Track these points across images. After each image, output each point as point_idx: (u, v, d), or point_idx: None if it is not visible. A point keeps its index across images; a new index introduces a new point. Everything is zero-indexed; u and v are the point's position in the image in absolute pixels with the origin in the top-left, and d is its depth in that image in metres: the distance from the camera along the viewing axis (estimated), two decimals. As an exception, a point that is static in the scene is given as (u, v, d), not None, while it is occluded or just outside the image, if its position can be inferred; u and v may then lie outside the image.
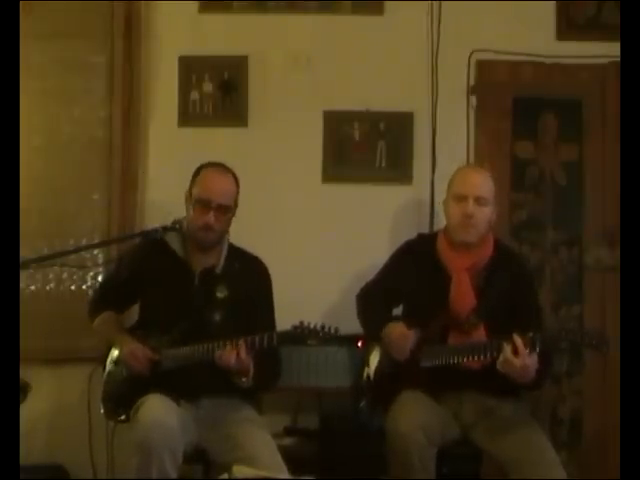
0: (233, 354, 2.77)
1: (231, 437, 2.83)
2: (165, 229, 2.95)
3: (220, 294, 2.99)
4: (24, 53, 3.09)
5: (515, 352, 2.71)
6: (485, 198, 3.00)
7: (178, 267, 3.03)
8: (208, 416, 2.92)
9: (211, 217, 2.95)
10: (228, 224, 3.04)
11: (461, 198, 3.00)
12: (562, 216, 3.79)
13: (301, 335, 2.74)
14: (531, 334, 2.73)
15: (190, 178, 3.06)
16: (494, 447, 2.89)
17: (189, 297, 2.99)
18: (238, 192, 3.08)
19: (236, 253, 3.10)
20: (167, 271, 3.03)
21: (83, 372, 3.48)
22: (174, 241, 3.04)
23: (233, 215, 3.06)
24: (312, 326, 2.73)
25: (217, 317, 2.97)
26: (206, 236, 2.97)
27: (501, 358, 2.74)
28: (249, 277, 3.06)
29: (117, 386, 3.02)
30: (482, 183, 3.03)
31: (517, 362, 2.70)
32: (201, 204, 2.97)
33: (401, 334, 2.96)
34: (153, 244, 3.07)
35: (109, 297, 3.19)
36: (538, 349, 2.71)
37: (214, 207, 2.96)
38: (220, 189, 3.00)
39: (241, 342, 2.77)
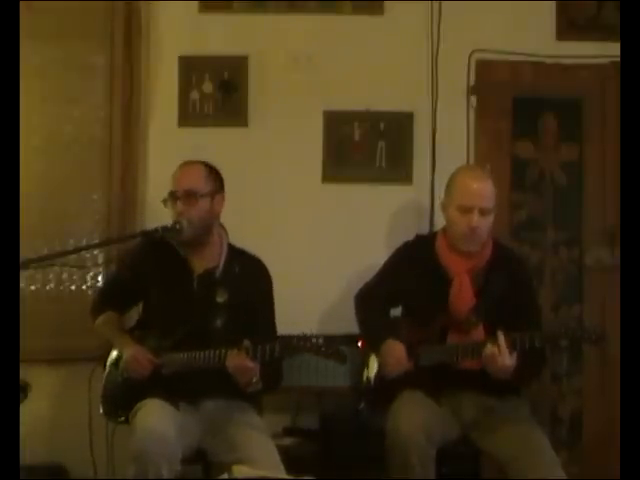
0: (242, 358, 2.77)
1: (230, 439, 2.83)
2: (165, 229, 2.95)
3: (220, 299, 2.97)
4: (24, 53, 3.08)
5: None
6: (489, 208, 3.00)
7: (179, 268, 3.01)
8: (208, 418, 2.91)
9: (179, 205, 2.94)
10: (205, 213, 2.99)
11: (466, 209, 2.97)
12: (562, 216, 3.79)
13: (302, 348, 2.74)
14: (516, 334, 2.77)
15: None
16: (494, 447, 2.89)
17: (189, 301, 2.98)
18: (212, 179, 3.03)
19: (236, 254, 3.07)
20: (168, 272, 3.02)
21: (83, 372, 3.47)
22: (176, 242, 3.02)
23: (214, 205, 3.01)
24: (314, 340, 2.73)
25: (217, 322, 2.95)
26: (184, 224, 2.92)
27: (483, 354, 2.78)
28: (249, 280, 3.03)
29: (117, 387, 3.01)
30: (487, 193, 3.00)
31: (499, 360, 2.75)
32: (171, 197, 2.98)
33: (398, 357, 2.96)
34: (155, 244, 3.06)
35: (111, 298, 3.18)
36: (527, 347, 2.76)
37: (180, 196, 2.96)
38: (183, 177, 3.01)
39: (246, 345, 2.77)
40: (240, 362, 2.77)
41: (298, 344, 2.75)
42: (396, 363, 2.96)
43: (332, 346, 2.74)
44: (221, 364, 2.81)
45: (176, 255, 3.02)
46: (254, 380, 2.82)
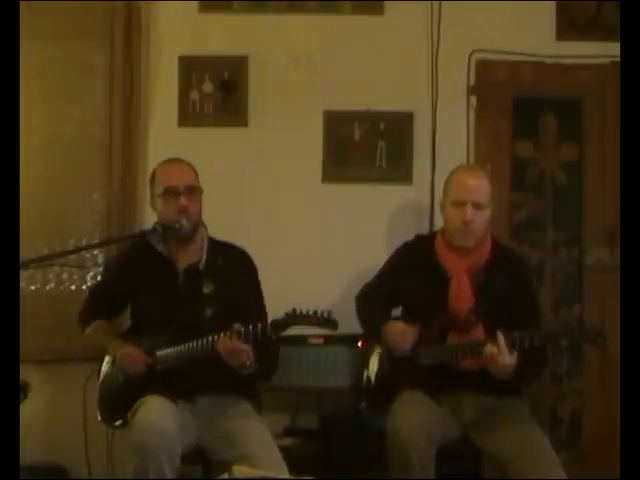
0: (234, 341, 2.76)
1: (229, 435, 2.83)
2: (164, 228, 2.96)
3: (206, 290, 2.98)
4: (24, 53, 3.09)
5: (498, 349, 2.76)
6: (483, 202, 3.00)
7: (163, 267, 3.03)
8: (206, 414, 2.92)
9: (183, 200, 2.95)
10: (200, 208, 3.04)
11: (459, 204, 2.99)
12: (562, 216, 3.79)
13: (295, 321, 2.74)
14: (515, 333, 2.78)
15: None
16: (494, 447, 2.89)
17: (176, 296, 2.99)
18: (197, 175, 3.08)
19: (218, 247, 3.09)
20: (153, 272, 3.03)
21: (82, 372, 3.46)
22: (157, 241, 3.03)
23: (200, 198, 3.06)
24: (305, 312, 2.73)
25: (207, 313, 2.96)
26: (183, 223, 2.94)
27: (483, 354, 2.79)
28: (234, 270, 3.05)
29: (113, 391, 3.03)
30: (479, 187, 3.02)
31: (499, 360, 2.75)
32: (169, 193, 2.98)
33: (401, 330, 2.97)
34: (137, 247, 3.09)
35: (98, 306, 3.19)
36: (527, 346, 2.76)
37: (182, 191, 2.97)
38: (182, 173, 3.03)
39: (237, 328, 2.76)
40: (232, 345, 2.77)
41: (288, 318, 2.75)
42: (402, 341, 2.96)
43: (322, 315, 2.73)
44: (214, 352, 2.80)
45: (159, 254, 3.03)
46: (248, 363, 2.81)
